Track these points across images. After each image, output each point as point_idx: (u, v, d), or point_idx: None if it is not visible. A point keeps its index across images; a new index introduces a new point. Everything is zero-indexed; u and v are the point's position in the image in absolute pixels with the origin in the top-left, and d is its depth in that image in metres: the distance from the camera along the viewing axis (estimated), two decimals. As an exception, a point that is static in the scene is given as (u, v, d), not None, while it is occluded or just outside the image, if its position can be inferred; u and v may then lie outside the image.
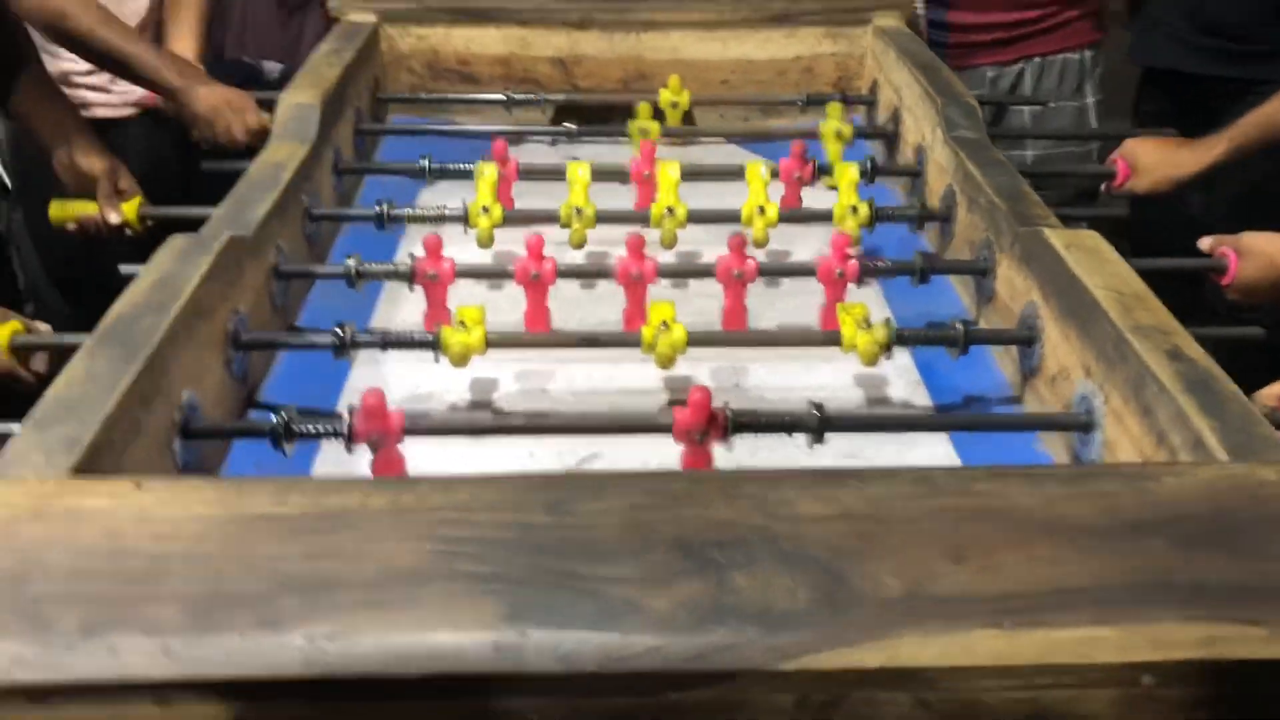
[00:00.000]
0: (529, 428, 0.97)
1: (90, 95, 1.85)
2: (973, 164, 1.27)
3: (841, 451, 1.00)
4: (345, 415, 0.89)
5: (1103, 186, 1.55)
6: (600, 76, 1.78)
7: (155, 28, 1.89)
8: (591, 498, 0.66)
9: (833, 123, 1.54)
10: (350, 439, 0.89)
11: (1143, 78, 2.05)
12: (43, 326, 1.11)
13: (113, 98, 1.87)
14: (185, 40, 1.88)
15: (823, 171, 1.42)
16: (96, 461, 0.76)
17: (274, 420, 0.90)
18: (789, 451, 0.99)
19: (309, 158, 1.32)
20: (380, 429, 0.88)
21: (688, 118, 1.80)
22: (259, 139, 1.51)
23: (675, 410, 0.89)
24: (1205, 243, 1.24)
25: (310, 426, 0.90)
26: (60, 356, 1.00)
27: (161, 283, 0.96)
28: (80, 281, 1.84)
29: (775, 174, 1.38)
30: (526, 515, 0.64)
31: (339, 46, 1.60)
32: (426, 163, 1.44)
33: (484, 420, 1.01)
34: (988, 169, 1.26)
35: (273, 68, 2.55)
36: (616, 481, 0.67)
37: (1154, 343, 0.87)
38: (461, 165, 1.42)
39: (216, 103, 1.53)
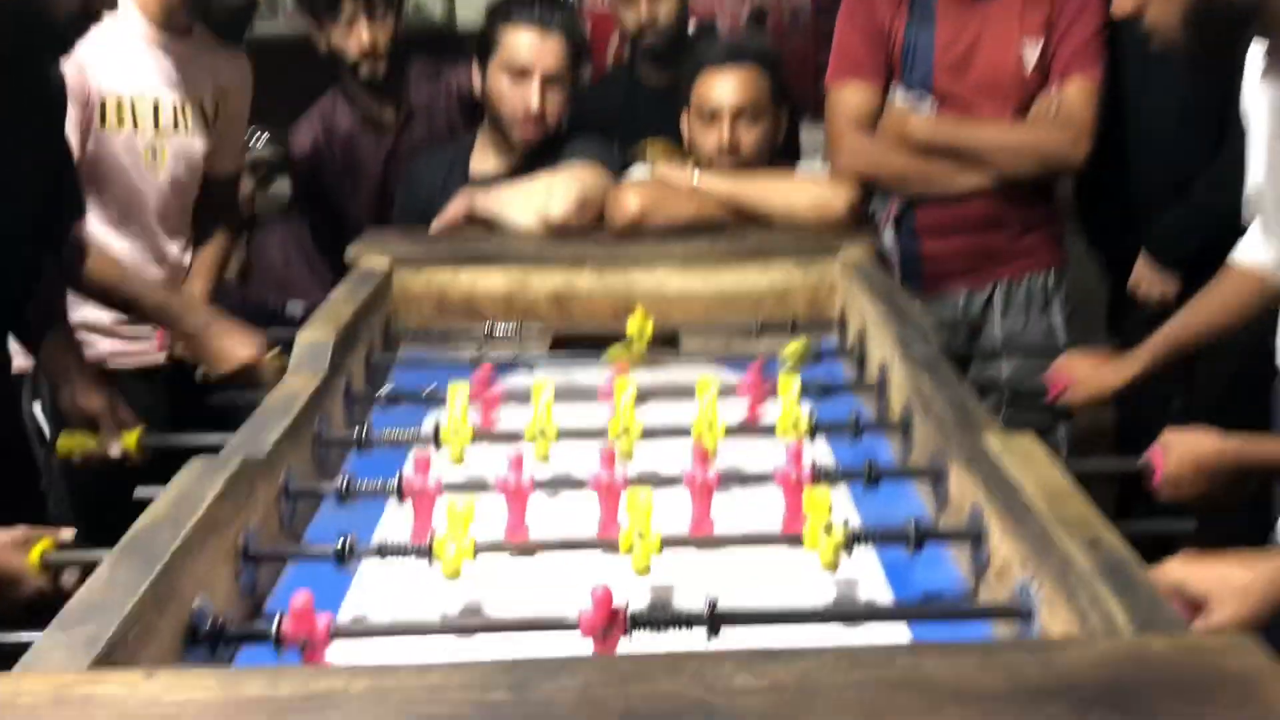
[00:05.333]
0: (445, 629, 1.06)
1: (110, 346, 2.03)
2: (925, 379, 1.39)
3: (800, 639, 1.07)
4: (274, 618, 0.97)
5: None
6: (593, 310, 1.93)
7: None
8: (549, 679, 0.74)
9: (792, 346, 1.68)
10: (279, 642, 0.96)
11: (1111, 293, 2.22)
12: (67, 534, 1.20)
13: (131, 346, 2.04)
14: (197, 284, 2.08)
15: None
16: (113, 658, 0.85)
17: (208, 625, 0.98)
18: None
19: (321, 387, 1.45)
20: (307, 632, 0.97)
21: (673, 342, 1.95)
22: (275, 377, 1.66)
23: (581, 612, 0.97)
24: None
25: (242, 629, 0.99)
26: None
27: (180, 499, 1.07)
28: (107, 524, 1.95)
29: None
30: (492, 694, 0.72)
31: (355, 288, 1.77)
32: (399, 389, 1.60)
33: (406, 625, 1.08)
34: (939, 383, 1.37)
35: (296, 307, 2.76)
36: (573, 664, 0.75)
37: (1076, 533, 0.96)
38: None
39: (235, 358, 1.69)
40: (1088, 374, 1.60)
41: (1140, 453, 2.06)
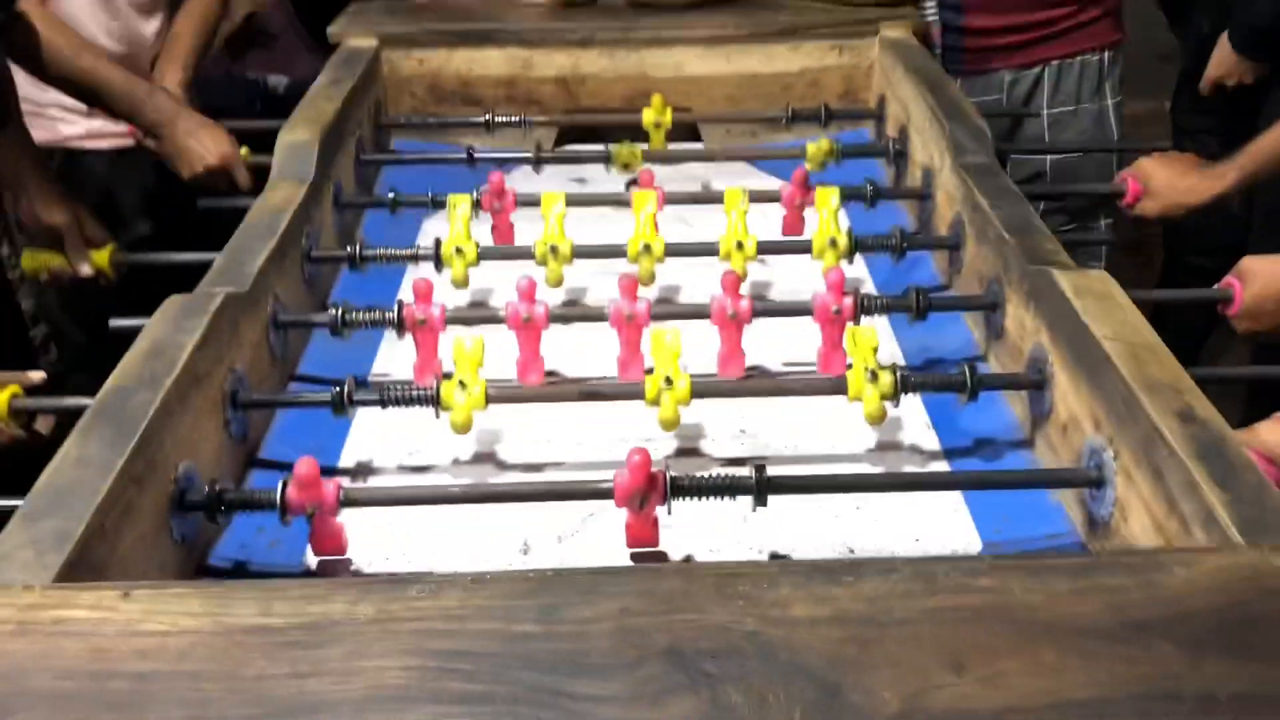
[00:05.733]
0: (467, 497, 0.96)
1: (78, 126, 1.84)
2: (981, 194, 1.24)
3: (849, 502, 1.00)
4: (277, 488, 0.89)
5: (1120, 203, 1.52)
6: (604, 95, 1.75)
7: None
8: (583, 602, 0.64)
9: (822, 145, 1.53)
10: (284, 511, 0.89)
11: (1181, 75, 2.02)
12: (36, 376, 1.10)
13: (99, 126, 1.85)
14: (173, 70, 1.86)
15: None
16: (89, 553, 0.76)
17: (205, 493, 0.90)
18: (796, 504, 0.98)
19: (307, 197, 1.31)
20: (314, 500, 0.88)
21: (693, 133, 1.78)
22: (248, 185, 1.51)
23: (615, 476, 0.88)
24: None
25: (246, 498, 0.90)
26: (66, 417, 1.00)
27: (155, 352, 0.95)
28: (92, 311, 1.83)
29: (772, 198, 1.38)
30: (517, 624, 0.63)
31: (338, 75, 1.58)
32: (393, 195, 1.45)
33: (425, 491, 0.99)
34: (997, 199, 1.23)
35: (279, 81, 2.54)
36: (608, 582, 0.66)
37: (1165, 401, 0.85)
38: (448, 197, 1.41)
39: (205, 159, 1.51)
40: (1167, 183, 1.43)
41: (1187, 255, 1.94)
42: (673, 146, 1.64)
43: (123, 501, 0.81)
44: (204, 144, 1.49)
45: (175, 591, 0.67)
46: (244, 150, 1.53)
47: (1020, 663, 0.60)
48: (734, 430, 1.12)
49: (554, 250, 1.28)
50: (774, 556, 0.95)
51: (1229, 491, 0.76)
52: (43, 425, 1.08)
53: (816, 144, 1.53)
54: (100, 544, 0.77)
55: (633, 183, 1.49)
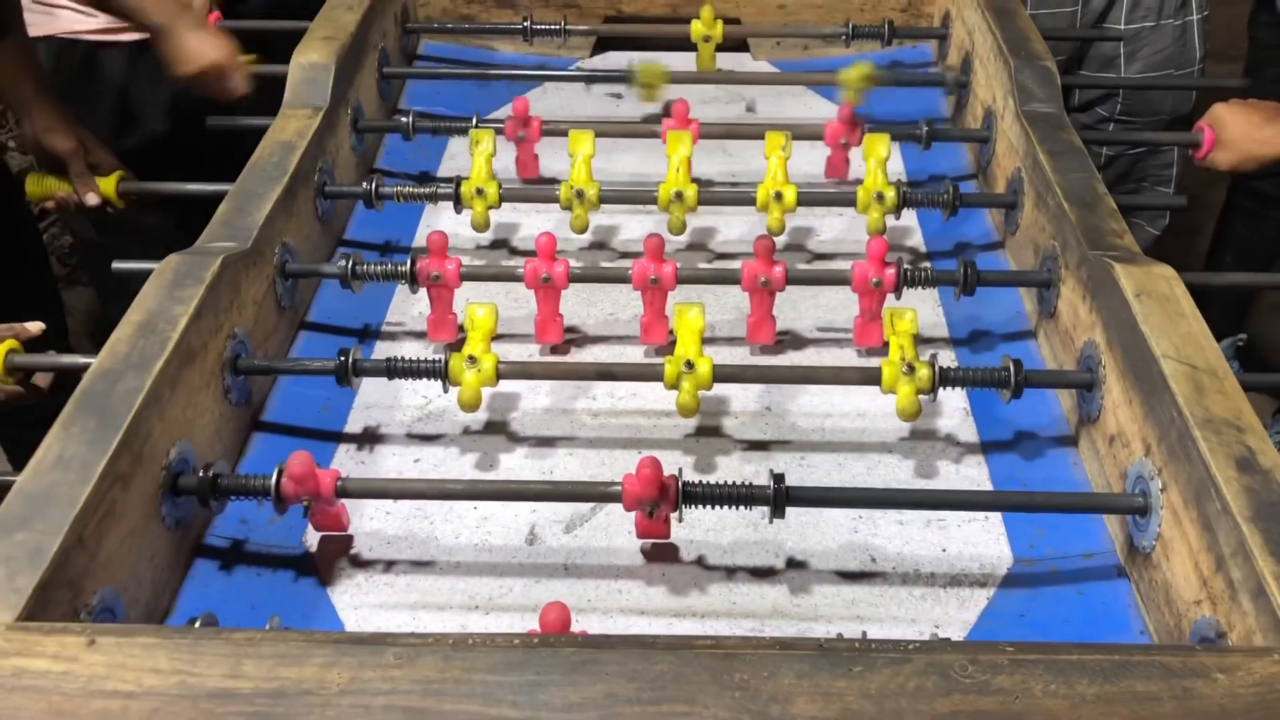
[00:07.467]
0: (470, 494, 0.92)
1: (94, 22, 1.74)
2: (1044, 152, 1.14)
3: (881, 478, 0.98)
4: (273, 476, 0.86)
5: (1191, 152, 1.39)
6: (647, 0, 1.63)
7: None
8: (567, 682, 0.60)
9: (857, 72, 1.39)
10: (278, 501, 0.86)
11: None
12: (34, 328, 1.06)
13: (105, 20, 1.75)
14: None
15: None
16: (66, 568, 0.73)
17: (198, 479, 0.87)
18: (825, 472, 0.93)
19: (321, 127, 1.23)
20: (309, 491, 0.86)
21: (742, 46, 1.67)
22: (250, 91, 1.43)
23: (625, 480, 0.84)
24: None
25: (240, 485, 0.87)
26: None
27: (147, 327, 0.90)
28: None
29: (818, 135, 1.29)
30: (494, 706, 0.59)
31: (361, -21, 1.48)
32: (415, 116, 1.37)
33: (424, 486, 0.95)
34: (1061, 159, 1.13)
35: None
36: (597, 659, 0.62)
37: (1223, 442, 0.77)
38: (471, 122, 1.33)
39: (201, 59, 1.41)
40: (1242, 134, 1.30)
41: (1254, 180, 1.79)
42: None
43: (105, 504, 0.77)
44: (202, 43, 1.39)
45: (143, 641, 0.64)
46: (251, 57, 1.44)
47: (1034, 789, 0.55)
48: (759, 408, 1.06)
49: (580, 195, 1.21)
50: (790, 563, 0.91)
51: (1286, 565, 0.69)
52: (41, 380, 1.04)
53: (848, 70, 1.40)
54: (79, 555, 0.74)
55: (665, 114, 1.39)
